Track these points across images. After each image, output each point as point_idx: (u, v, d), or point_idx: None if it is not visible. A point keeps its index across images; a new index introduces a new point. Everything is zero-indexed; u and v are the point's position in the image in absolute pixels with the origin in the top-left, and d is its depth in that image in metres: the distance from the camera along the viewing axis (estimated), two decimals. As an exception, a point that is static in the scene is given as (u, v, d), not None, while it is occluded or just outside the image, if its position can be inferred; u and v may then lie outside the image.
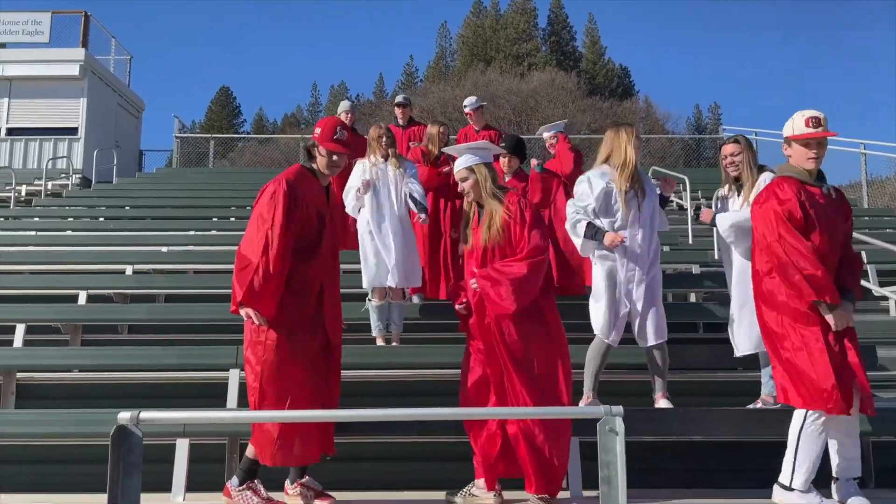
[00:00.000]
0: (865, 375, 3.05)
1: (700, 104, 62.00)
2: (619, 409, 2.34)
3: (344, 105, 7.15)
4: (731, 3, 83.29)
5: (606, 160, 3.89)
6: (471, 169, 3.26)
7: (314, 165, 3.23)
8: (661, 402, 3.73)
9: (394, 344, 4.88)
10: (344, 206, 4.90)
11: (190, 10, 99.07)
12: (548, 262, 3.21)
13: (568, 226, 3.86)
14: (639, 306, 3.75)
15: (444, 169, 5.46)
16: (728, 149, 3.96)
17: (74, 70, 14.44)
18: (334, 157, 3.18)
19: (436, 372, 4.47)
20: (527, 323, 3.12)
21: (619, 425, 2.31)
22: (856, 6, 76.00)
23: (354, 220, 5.03)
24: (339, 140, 3.16)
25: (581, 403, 3.74)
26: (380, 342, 4.89)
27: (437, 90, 35.90)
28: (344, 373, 4.03)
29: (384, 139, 5.03)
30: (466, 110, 6.75)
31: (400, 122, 7.06)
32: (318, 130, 3.19)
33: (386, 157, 5.01)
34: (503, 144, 5.09)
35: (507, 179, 5.07)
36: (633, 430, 2.94)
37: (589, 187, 3.81)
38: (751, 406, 3.87)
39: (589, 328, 3.91)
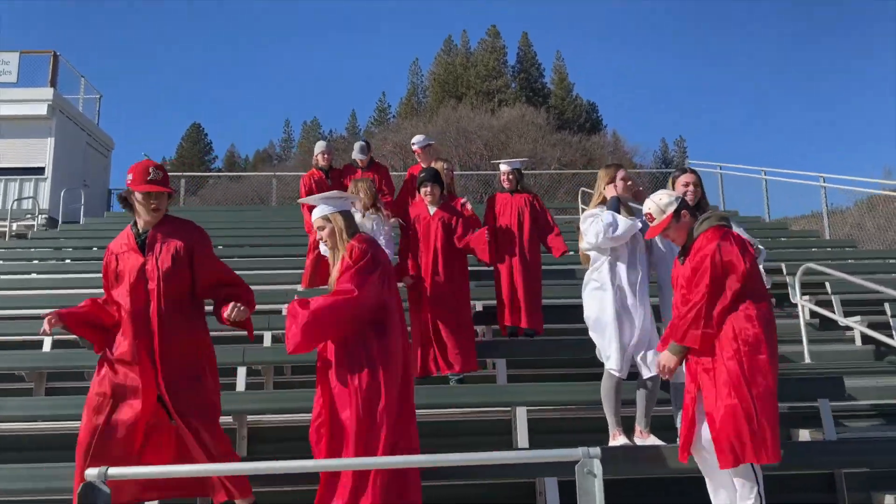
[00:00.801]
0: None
1: (666, 138, 63.68)
2: (597, 450, 2.36)
3: (320, 146, 7.22)
4: (695, 38, 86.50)
5: (600, 201, 3.99)
6: (327, 218, 3.32)
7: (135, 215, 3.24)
8: (651, 439, 3.75)
9: None
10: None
11: (160, 47, 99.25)
12: (361, 303, 3.12)
13: (600, 232, 3.79)
14: (643, 336, 3.77)
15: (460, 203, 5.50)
16: (689, 178, 3.99)
17: (42, 109, 14.26)
18: (152, 200, 3.18)
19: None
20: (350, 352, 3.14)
21: (598, 467, 2.32)
22: (819, 43, 79.48)
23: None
24: (153, 181, 3.15)
25: (610, 442, 3.76)
26: None
27: (409, 126, 36.31)
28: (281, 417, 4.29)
29: (366, 191, 5.28)
30: (414, 148, 6.90)
31: (360, 165, 7.12)
32: (129, 177, 3.17)
33: (366, 208, 5.19)
34: (422, 175, 5.17)
35: (432, 211, 5.08)
36: (614, 470, 2.96)
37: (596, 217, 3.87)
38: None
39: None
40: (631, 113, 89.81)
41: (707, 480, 3.24)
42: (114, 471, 2.12)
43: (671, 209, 3.28)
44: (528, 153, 30.89)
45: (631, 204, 4.03)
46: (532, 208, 5.63)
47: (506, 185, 5.79)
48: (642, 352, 3.77)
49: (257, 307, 6.76)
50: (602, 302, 3.83)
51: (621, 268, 3.83)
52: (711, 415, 3.05)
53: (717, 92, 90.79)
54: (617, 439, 3.77)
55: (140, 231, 3.24)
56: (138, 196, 3.16)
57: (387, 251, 4.88)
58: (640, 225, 3.80)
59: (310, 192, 6.88)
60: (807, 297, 6.56)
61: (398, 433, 3.07)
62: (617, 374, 3.78)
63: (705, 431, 3.09)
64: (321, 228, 3.34)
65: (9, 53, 15.00)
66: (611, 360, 3.79)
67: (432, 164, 5.88)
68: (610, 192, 3.94)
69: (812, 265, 6.24)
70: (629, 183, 3.99)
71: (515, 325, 5.44)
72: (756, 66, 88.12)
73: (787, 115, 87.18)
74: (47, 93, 14.54)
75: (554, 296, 6.33)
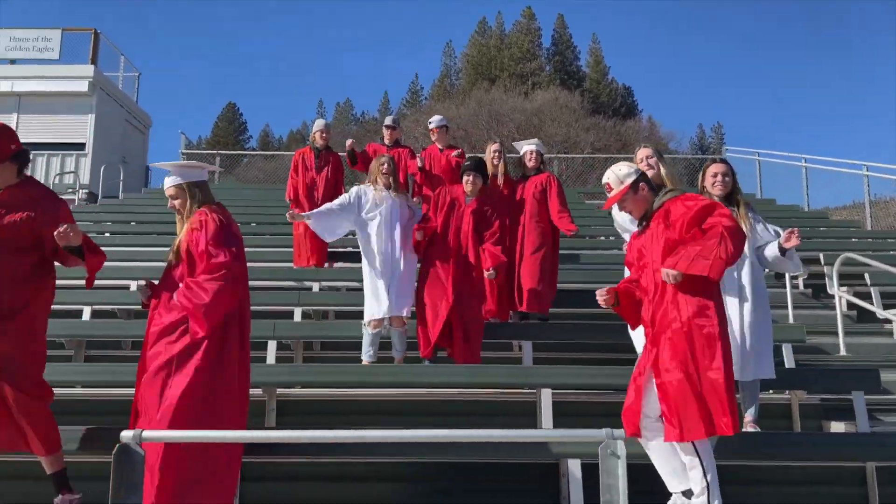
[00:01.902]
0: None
1: (703, 123, 62.32)
2: (621, 432, 2.35)
3: (318, 124, 7.29)
4: (735, 22, 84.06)
5: None
6: (180, 187, 3.29)
7: None
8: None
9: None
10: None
11: (198, 27, 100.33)
12: (236, 277, 3.15)
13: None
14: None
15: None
16: (718, 168, 3.93)
17: (83, 86, 14.60)
18: None
19: (426, 391, 4.49)
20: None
21: (621, 448, 2.32)
22: (863, 26, 76.56)
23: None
24: None
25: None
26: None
27: (441, 108, 36.14)
28: (309, 391, 4.37)
29: (385, 167, 5.06)
30: (431, 127, 6.95)
31: (386, 142, 7.17)
32: None
33: (388, 186, 5.02)
34: (466, 164, 5.10)
35: (468, 200, 4.99)
36: (637, 454, 2.95)
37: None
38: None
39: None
40: (667, 98, 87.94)
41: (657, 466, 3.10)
42: (148, 433, 2.19)
43: (629, 180, 3.17)
44: (562, 137, 30.58)
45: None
46: (542, 191, 5.60)
47: (530, 164, 5.76)
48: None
49: (288, 284, 6.92)
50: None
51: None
52: (664, 385, 2.94)
53: (757, 76, 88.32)
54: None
55: None
56: None
57: (401, 232, 4.89)
58: None
59: (296, 168, 6.98)
60: (845, 289, 6.40)
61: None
62: None
63: (655, 403, 2.99)
64: (174, 197, 3.30)
65: (51, 31, 15.34)
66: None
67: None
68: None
69: (850, 255, 6.08)
70: (649, 161, 3.92)
71: (517, 310, 5.49)
72: (799, 49, 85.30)
73: (830, 101, 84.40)
74: (88, 70, 14.86)
75: (572, 280, 6.33)
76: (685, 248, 2.94)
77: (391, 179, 5.03)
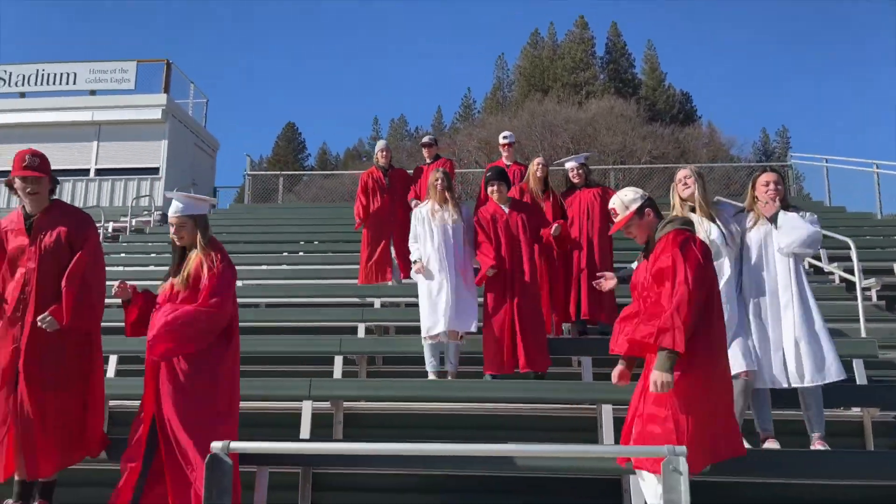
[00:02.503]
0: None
1: (767, 128, 60.20)
2: (683, 448, 2.40)
3: (379, 144, 7.56)
4: (797, 22, 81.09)
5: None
6: (191, 217, 3.45)
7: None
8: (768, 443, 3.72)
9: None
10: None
11: (257, 49, 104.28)
12: (224, 315, 3.33)
13: None
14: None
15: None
16: (769, 177, 3.93)
17: (157, 114, 15.55)
18: (27, 187, 3.43)
19: (486, 406, 4.58)
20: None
21: (683, 465, 2.36)
22: (934, 21, 72.45)
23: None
24: (28, 167, 3.42)
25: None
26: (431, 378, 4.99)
27: (494, 121, 36.32)
28: (373, 405, 4.53)
29: (440, 182, 5.14)
30: (504, 142, 7.07)
31: (427, 160, 7.34)
32: (13, 164, 3.44)
33: (443, 202, 5.13)
34: (489, 174, 5.23)
35: (506, 209, 5.05)
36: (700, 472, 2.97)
37: None
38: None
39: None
40: (729, 102, 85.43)
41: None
42: (236, 444, 2.39)
43: (635, 206, 3.23)
44: (618, 146, 30.17)
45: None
46: (602, 202, 5.64)
47: (575, 180, 5.84)
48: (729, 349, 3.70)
49: (352, 300, 7.16)
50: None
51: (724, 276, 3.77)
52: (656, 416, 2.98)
53: (825, 77, 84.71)
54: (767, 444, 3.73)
55: (28, 214, 3.52)
56: (17, 181, 3.45)
57: (458, 247, 5.01)
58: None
59: (365, 189, 7.14)
60: (920, 300, 6.14)
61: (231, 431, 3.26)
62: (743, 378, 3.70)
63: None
64: (181, 226, 3.46)
65: (127, 62, 16.41)
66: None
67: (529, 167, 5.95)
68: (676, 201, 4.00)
69: (927, 265, 5.82)
70: (687, 180, 3.96)
71: (584, 320, 5.51)
72: (868, 49, 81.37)
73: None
74: (161, 98, 15.81)
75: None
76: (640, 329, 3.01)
77: (447, 194, 5.14)
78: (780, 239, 3.77)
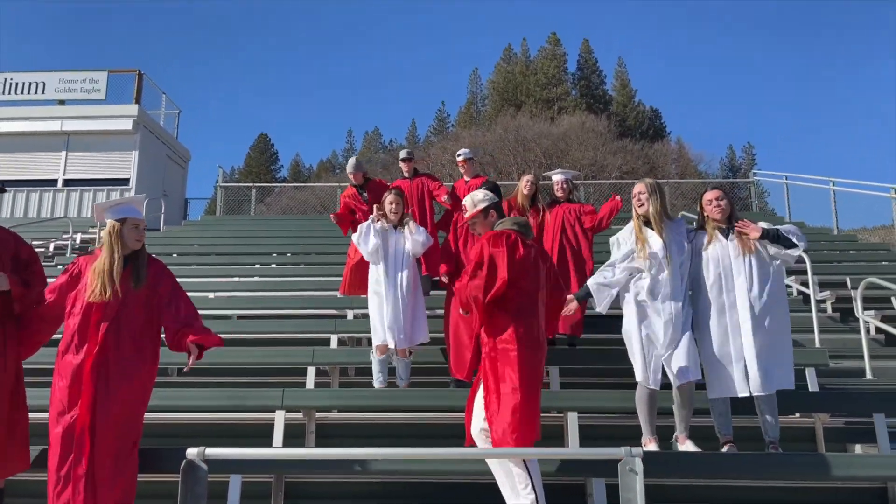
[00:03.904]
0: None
1: (734, 144, 61.73)
2: (639, 450, 2.56)
3: (349, 165, 7.18)
4: (765, 40, 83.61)
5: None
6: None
7: None
8: (686, 445, 3.86)
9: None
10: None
11: (229, 60, 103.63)
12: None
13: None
14: (670, 346, 3.88)
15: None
16: (713, 194, 4.12)
17: (128, 125, 15.42)
18: None
19: (435, 415, 4.69)
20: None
21: (639, 465, 2.51)
22: (892, 44, 75.43)
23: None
24: None
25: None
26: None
27: (468, 135, 36.70)
28: (345, 415, 4.57)
29: (394, 206, 5.20)
30: (459, 160, 7.10)
31: (406, 174, 7.38)
32: None
33: (395, 224, 5.19)
34: (484, 186, 5.36)
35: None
36: (653, 473, 3.12)
37: (617, 248, 4.13)
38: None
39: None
40: (697, 119, 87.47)
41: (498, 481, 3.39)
42: (211, 451, 2.46)
43: (482, 206, 3.72)
44: (588, 161, 30.68)
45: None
46: (576, 218, 5.83)
47: (559, 194, 6.00)
48: (670, 362, 3.88)
49: (325, 311, 7.19)
50: (627, 314, 4.03)
51: (644, 280, 3.96)
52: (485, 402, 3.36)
53: (790, 96, 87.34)
54: (647, 447, 3.87)
55: None
56: None
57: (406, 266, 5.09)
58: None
59: (346, 207, 7.17)
60: (871, 313, 6.44)
61: None
62: (644, 385, 3.91)
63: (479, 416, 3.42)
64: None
65: (98, 73, 16.26)
66: (637, 372, 3.95)
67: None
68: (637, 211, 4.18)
69: (874, 279, 6.14)
70: (640, 196, 4.14)
71: (554, 334, 5.64)
72: (833, 71, 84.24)
73: (866, 124, 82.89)
74: (132, 109, 15.68)
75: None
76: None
77: (399, 216, 5.20)
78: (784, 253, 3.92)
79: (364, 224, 5.16)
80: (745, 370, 3.84)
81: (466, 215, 3.74)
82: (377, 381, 5.06)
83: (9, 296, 3.50)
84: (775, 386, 3.86)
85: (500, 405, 3.28)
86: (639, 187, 4.16)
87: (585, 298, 4.10)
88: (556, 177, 6.11)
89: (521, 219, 3.69)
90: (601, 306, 4.06)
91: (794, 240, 3.85)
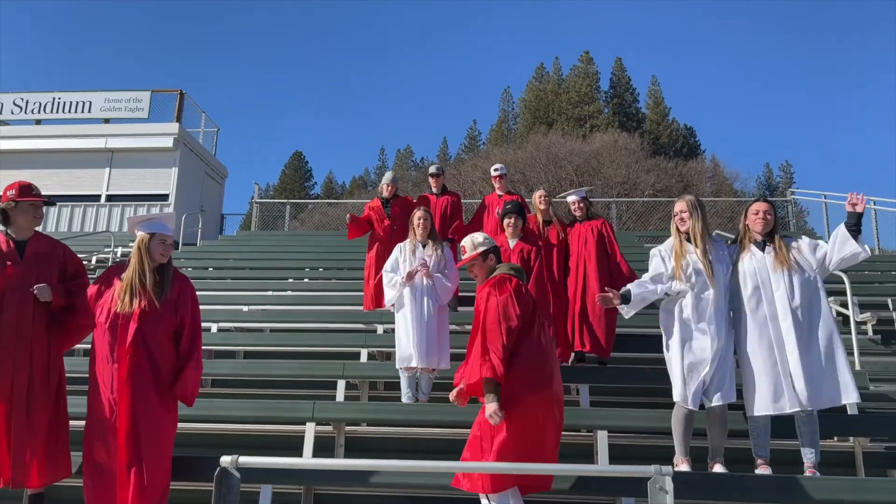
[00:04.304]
0: None
1: (770, 162, 60.59)
2: (669, 468, 2.53)
3: (385, 178, 7.59)
4: (803, 58, 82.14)
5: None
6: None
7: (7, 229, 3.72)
8: (717, 468, 3.79)
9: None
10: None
11: (268, 81, 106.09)
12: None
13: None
14: (711, 366, 3.83)
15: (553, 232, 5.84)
16: (759, 206, 4.07)
17: (169, 143, 15.90)
18: (38, 212, 3.74)
19: (464, 431, 4.64)
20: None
21: (669, 484, 2.48)
22: (935, 60, 73.36)
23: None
24: (37, 194, 3.72)
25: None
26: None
27: (498, 153, 36.76)
28: (374, 428, 4.62)
29: (422, 222, 5.34)
30: (495, 174, 7.27)
31: (434, 190, 7.49)
32: (11, 192, 3.69)
33: (424, 240, 5.30)
34: (508, 206, 5.34)
35: (512, 244, 5.20)
36: (684, 493, 3.08)
37: (662, 262, 4.08)
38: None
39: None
40: (733, 137, 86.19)
41: None
42: (244, 460, 2.52)
43: (481, 248, 3.64)
44: (621, 179, 30.44)
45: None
46: (600, 235, 5.80)
47: (577, 213, 6.01)
48: (708, 382, 3.83)
49: (355, 326, 7.26)
50: (670, 332, 3.98)
51: (688, 299, 3.92)
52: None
53: (829, 113, 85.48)
54: (679, 467, 3.81)
55: (15, 239, 3.71)
56: (24, 206, 3.69)
57: (447, 283, 5.16)
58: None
59: (367, 217, 7.31)
60: (915, 335, 6.24)
61: None
62: (682, 406, 3.86)
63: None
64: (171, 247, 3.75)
65: (142, 92, 16.84)
66: (675, 391, 3.89)
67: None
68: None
69: (918, 300, 5.94)
70: (682, 215, 4.08)
71: (580, 350, 5.62)
72: (878, 88, 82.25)
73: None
74: (173, 127, 16.17)
75: (632, 324, 6.39)
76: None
77: (427, 232, 5.32)
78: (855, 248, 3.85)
79: (397, 278, 5.20)
80: (791, 385, 3.73)
81: (464, 257, 3.68)
82: (405, 396, 5.09)
83: (53, 311, 3.67)
84: (825, 401, 3.74)
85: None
86: (680, 205, 4.11)
87: (625, 303, 4.04)
88: (571, 198, 6.13)
89: (515, 265, 3.70)
90: (628, 315, 4.10)
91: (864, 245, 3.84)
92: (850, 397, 3.73)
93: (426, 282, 5.13)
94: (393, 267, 5.29)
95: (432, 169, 7.86)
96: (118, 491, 3.30)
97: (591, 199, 6.21)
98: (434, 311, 5.10)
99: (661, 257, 4.09)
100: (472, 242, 3.68)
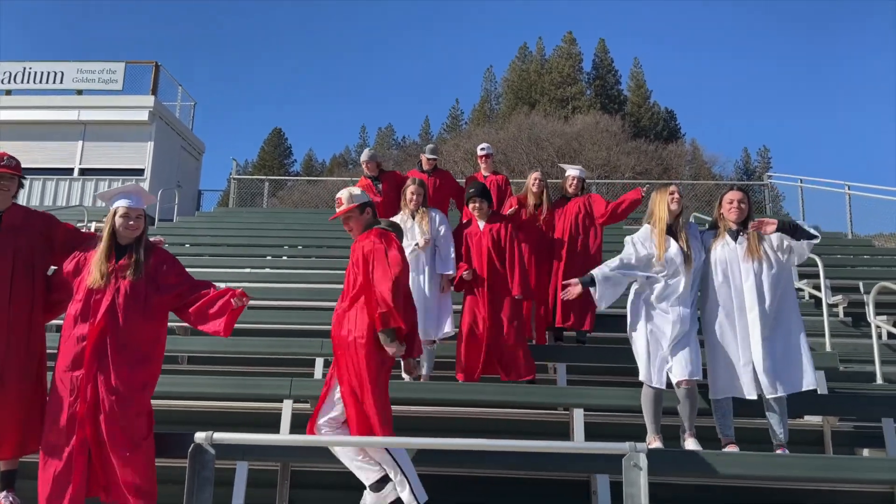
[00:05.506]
0: None
1: (748, 147, 61.27)
2: (643, 445, 2.56)
3: (363, 156, 7.36)
4: (782, 42, 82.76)
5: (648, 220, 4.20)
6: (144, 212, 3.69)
7: None
8: (689, 443, 3.86)
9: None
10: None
11: (247, 55, 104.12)
12: None
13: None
14: (674, 345, 3.91)
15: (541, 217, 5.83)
16: (734, 195, 4.10)
17: (144, 116, 15.53)
18: (3, 181, 3.56)
19: (461, 409, 4.72)
20: None
21: (643, 461, 2.52)
22: (911, 49, 74.40)
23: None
24: (6, 165, 3.56)
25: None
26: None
27: (481, 132, 36.63)
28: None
29: (415, 196, 5.33)
30: (481, 153, 7.25)
31: (425, 168, 7.42)
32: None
33: (413, 213, 5.30)
34: (472, 190, 5.32)
35: (481, 225, 5.22)
36: (658, 470, 3.12)
37: (633, 248, 4.09)
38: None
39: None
40: (712, 121, 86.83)
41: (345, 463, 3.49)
42: (219, 436, 2.49)
43: (359, 201, 3.67)
44: (601, 161, 30.57)
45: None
46: (586, 211, 5.82)
47: (570, 190, 5.98)
48: (671, 361, 3.91)
49: (335, 303, 7.19)
50: (633, 313, 4.07)
51: (658, 284, 3.99)
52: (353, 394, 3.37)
53: (806, 99, 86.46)
54: (652, 445, 3.87)
55: None
56: None
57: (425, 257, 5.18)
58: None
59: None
60: (883, 318, 6.38)
61: None
62: (648, 385, 3.94)
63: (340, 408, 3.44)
64: (140, 218, 3.62)
65: (115, 63, 16.40)
66: (641, 371, 3.98)
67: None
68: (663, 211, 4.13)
69: (887, 284, 6.07)
70: (676, 194, 4.14)
71: (560, 327, 5.65)
72: (856, 75, 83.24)
73: (885, 127, 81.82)
74: (149, 100, 15.79)
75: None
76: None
77: (418, 206, 5.31)
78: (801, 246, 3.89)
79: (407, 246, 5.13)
80: (753, 372, 3.84)
81: (340, 209, 3.67)
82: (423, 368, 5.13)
83: (35, 283, 3.58)
84: (787, 388, 3.84)
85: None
86: (673, 187, 4.17)
87: (589, 286, 4.04)
88: (572, 171, 6.06)
89: (393, 221, 3.73)
90: (602, 303, 4.05)
91: (811, 230, 3.84)
92: (808, 384, 3.84)
93: (422, 256, 5.15)
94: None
95: (429, 154, 7.63)
96: (74, 469, 3.22)
97: (585, 182, 6.19)
98: (430, 283, 5.12)
99: (633, 244, 4.12)
100: (350, 195, 3.68)
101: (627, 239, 4.19)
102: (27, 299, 3.56)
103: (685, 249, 3.99)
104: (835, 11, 79.60)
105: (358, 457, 3.46)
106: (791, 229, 3.84)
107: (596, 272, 4.04)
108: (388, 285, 3.30)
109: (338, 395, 3.45)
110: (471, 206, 5.27)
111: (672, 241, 4.03)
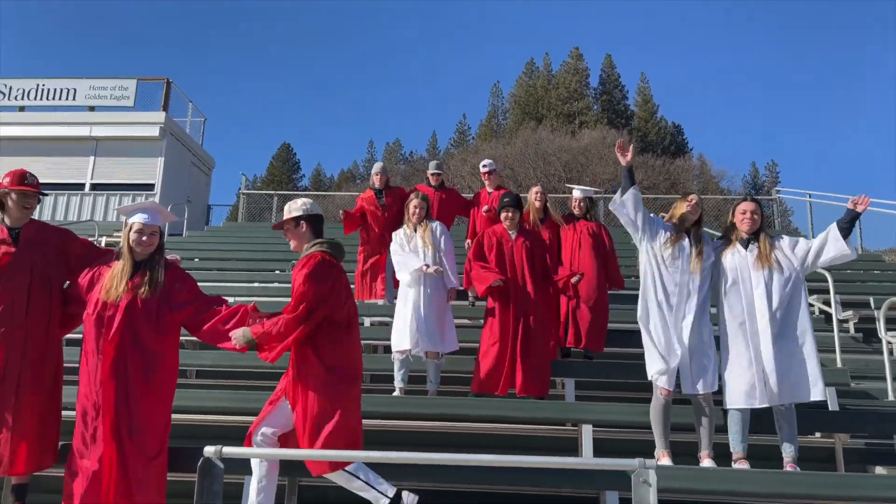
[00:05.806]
0: None
1: (757, 161, 61.15)
2: (653, 461, 2.54)
3: (375, 167, 7.48)
4: (790, 58, 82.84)
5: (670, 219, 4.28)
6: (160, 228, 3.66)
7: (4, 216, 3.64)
8: (706, 462, 3.83)
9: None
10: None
11: (257, 72, 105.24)
12: None
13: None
14: (688, 352, 3.92)
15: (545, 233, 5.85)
16: (747, 206, 4.15)
17: (155, 132, 15.72)
18: (27, 199, 3.61)
19: (469, 424, 4.70)
20: None
21: (653, 477, 2.50)
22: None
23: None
24: (30, 183, 3.61)
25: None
26: (397, 395, 5.06)
27: (488, 148, 36.75)
28: (376, 421, 4.53)
29: (418, 210, 5.38)
30: (484, 170, 7.29)
31: (433, 183, 7.46)
32: (6, 180, 3.60)
33: (416, 226, 5.34)
34: (506, 199, 5.35)
35: (513, 235, 5.20)
36: (668, 486, 3.10)
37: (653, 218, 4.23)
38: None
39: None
40: (720, 136, 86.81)
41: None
42: (228, 450, 2.50)
43: (295, 213, 3.57)
44: (609, 176, 30.54)
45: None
46: (598, 237, 5.83)
47: (576, 211, 5.99)
48: (689, 371, 3.90)
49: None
50: (645, 307, 4.07)
51: (662, 284, 4.04)
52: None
53: (815, 114, 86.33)
54: (661, 461, 3.84)
55: (10, 227, 3.64)
56: (13, 195, 3.59)
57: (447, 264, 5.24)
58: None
59: (360, 210, 7.26)
60: (894, 333, 6.32)
61: None
62: (661, 389, 3.91)
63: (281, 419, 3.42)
64: (154, 235, 3.58)
65: (127, 80, 16.62)
66: (649, 367, 3.99)
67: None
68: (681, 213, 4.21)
69: (896, 299, 6.02)
70: (694, 202, 4.20)
71: (570, 346, 5.64)
72: (865, 87, 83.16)
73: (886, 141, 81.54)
74: (160, 116, 15.98)
75: (619, 319, 6.43)
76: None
77: (421, 219, 5.36)
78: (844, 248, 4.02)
79: (415, 264, 5.17)
80: (764, 381, 3.82)
81: (277, 222, 3.65)
82: (397, 380, 5.09)
83: (52, 297, 3.63)
84: (795, 397, 3.82)
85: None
86: (694, 196, 4.26)
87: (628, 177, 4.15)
88: (576, 193, 6.08)
89: (333, 239, 3.63)
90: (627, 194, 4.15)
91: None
92: (816, 394, 3.82)
93: (424, 259, 5.19)
94: (402, 245, 5.35)
95: (433, 168, 7.68)
96: (101, 485, 3.25)
97: (593, 199, 6.19)
98: (434, 296, 5.12)
99: (655, 216, 4.23)
100: (289, 208, 3.63)
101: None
102: (44, 312, 3.59)
103: (697, 244, 4.07)
104: (849, 23, 79.70)
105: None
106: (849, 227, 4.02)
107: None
108: (292, 319, 3.33)
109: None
110: (503, 215, 5.28)
111: (685, 235, 4.12)
